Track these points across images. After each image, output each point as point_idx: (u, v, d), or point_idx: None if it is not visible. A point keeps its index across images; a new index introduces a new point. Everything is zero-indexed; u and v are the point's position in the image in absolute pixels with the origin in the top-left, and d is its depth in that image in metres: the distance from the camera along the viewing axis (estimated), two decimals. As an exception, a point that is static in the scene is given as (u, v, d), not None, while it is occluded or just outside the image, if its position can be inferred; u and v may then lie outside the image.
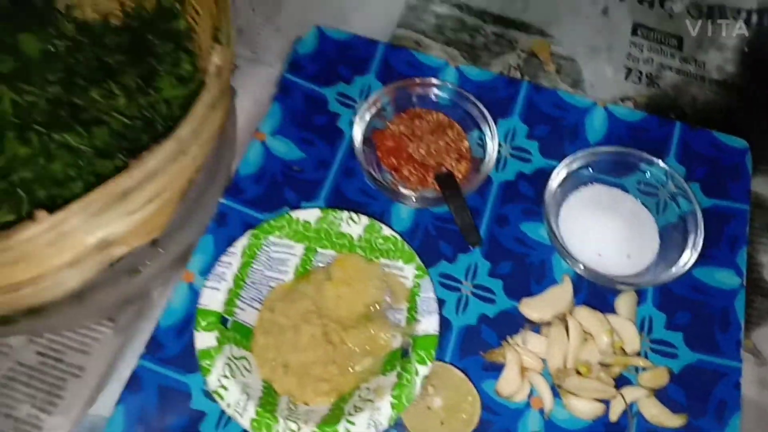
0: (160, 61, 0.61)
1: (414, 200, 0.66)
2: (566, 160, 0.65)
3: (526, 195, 0.69)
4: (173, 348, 0.60)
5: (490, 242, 0.66)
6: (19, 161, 0.50)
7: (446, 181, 0.65)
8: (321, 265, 0.63)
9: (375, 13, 0.84)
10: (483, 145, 0.68)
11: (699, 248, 0.61)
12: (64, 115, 0.52)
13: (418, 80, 0.71)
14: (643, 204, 0.66)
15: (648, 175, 0.66)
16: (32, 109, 0.51)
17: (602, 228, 0.64)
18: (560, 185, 0.64)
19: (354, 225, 0.62)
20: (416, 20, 0.83)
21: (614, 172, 0.67)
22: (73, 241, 0.41)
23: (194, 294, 0.62)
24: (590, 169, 0.66)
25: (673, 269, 0.60)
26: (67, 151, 0.52)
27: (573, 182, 0.66)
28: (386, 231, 0.61)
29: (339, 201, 0.69)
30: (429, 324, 0.57)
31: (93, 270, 0.47)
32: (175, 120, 0.59)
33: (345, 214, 0.63)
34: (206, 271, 0.63)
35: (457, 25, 0.83)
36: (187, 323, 0.61)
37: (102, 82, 0.55)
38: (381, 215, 0.68)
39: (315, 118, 0.73)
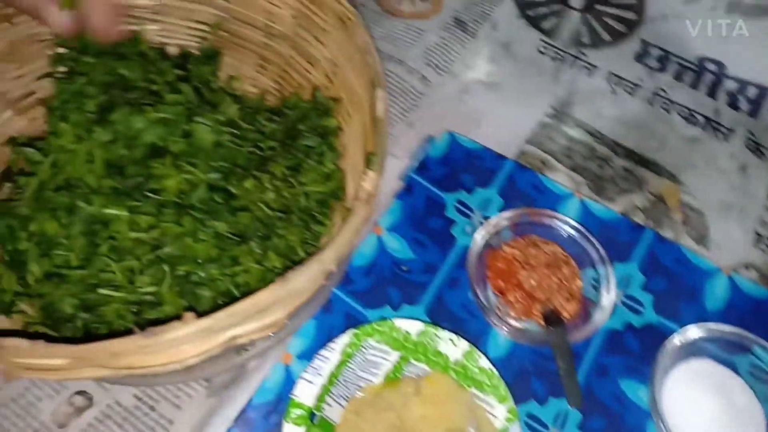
0: (308, 154, 0.65)
1: (514, 329, 0.66)
2: (685, 330, 0.64)
3: (632, 350, 0.67)
4: (260, 427, 0.62)
5: (586, 392, 0.65)
6: (170, 238, 0.54)
7: (555, 323, 0.65)
8: (411, 375, 0.64)
9: (507, 124, 0.85)
10: (597, 288, 0.68)
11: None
12: (218, 200, 0.55)
13: (542, 211, 0.71)
14: (753, 390, 0.63)
15: (765, 360, 0.63)
16: (191, 191, 0.55)
17: (705, 409, 0.62)
18: (672, 352, 0.63)
19: (453, 347, 0.63)
20: (546, 139, 0.84)
21: (728, 349, 0.64)
22: (209, 339, 0.44)
23: (289, 376, 0.64)
24: (705, 342, 0.64)
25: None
26: (213, 235, 0.55)
27: (684, 351, 0.64)
28: (484, 362, 0.62)
29: (439, 311, 0.70)
30: (510, 469, 0.57)
31: (212, 354, 0.50)
32: (310, 213, 0.63)
33: (446, 334, 0.63)
34: (304, 356, 0.65)
35: (587, 152, 0.83)
36: (276, 405, 0.63)
37: (256, 171, 0.59)
38: (478, 336, 0.68)
39: (431, 221, 0.75)
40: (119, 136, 0.53)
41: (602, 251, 0.69)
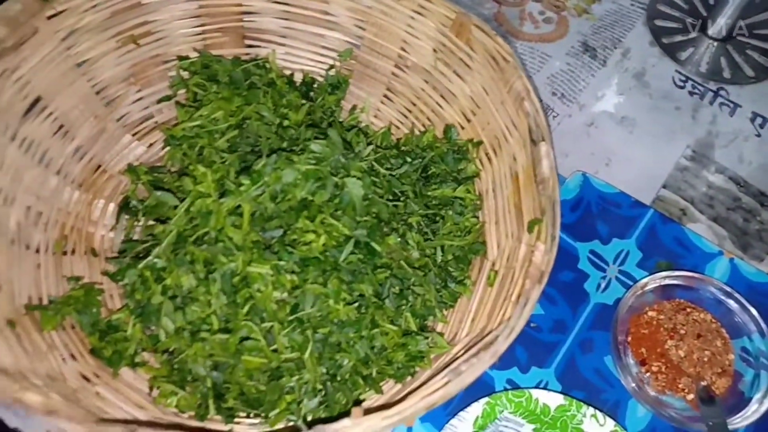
0: (444, 203, 0.60)
1: (656, 402, 0.60)
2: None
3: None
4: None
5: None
6: (311, 298, 0.49)
7: (709, 403, 0.58)
8: (544, 450, 0.59)
9: (640, 164, 0.78)
10: (747, 361, 0.61)
11: None
12: (363, 259, 0.51)
13: (693, 274, 0.65)
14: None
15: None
16: (336, 247, 0.50)
17: None
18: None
19: (597, 426, 0.57)
20: (685, 185, 0.77)
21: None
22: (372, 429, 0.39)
23: (411, 440, 0.60)
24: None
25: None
26: (357, 297, 0.51)
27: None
28: (633, 447, 0.56)
29: (571, 376, 0.64)
30: None
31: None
32: (446, 269, 0.57)
33: (590, 410, 0.58)
34: (426, 419, 0.61)
35: (731, 201, 0.76)
36: (398, 470, 0.59)
37: (395, 224, 0.54)
38: (614, 407, 0.62)
39: (562, 273, 0.69)
40: (266, 188, 0.49)
41: (762, 323, 0.62)
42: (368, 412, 0.38)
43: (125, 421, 0.39)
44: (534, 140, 0.52)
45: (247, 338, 0.48)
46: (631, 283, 0.68)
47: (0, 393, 0.37)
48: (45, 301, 0.54)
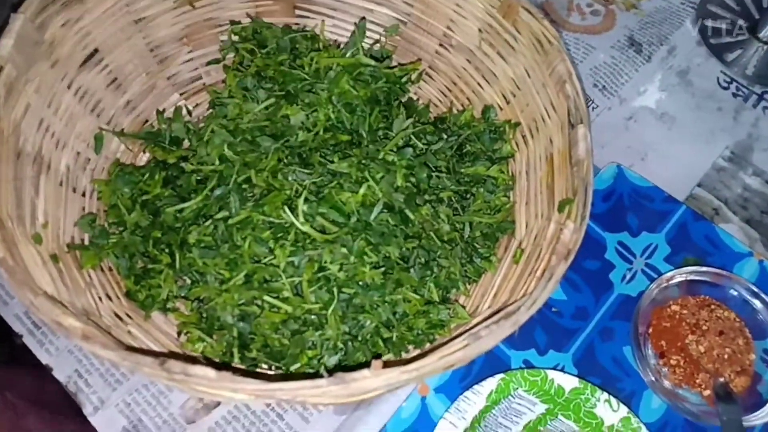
0: (477, 180, 0.60)
1: (672, 395, 0.60)
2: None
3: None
4: (392, 460, 0.59)
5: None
6: (339, 257, 0.51)
7: (727, 401, 0.58)
8: (554, 430, 0.60)
9: (676, 161, 0.78)
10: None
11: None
12: (393, 224, 0.52)
13: (720, 271, 0.64)
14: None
15: None
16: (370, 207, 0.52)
17: None
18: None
19: (610, 411, 0.58)
20: (720, 185, 0.76)
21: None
22: (389, 384, 0.41)
23: (425, 409, 0.61)
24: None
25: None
26: (383, 260, 0.52)
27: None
28: (645, 434, 0.56)
29: (589, 362, 0.64)
30: None
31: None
32: (473, 245, 0.58)
33: (604, 395, 0.58)
34: (441, 389, 0.62)
35: (766, 205, 0.75)
36: (411, 438, 0.60)
37: (430, 201, 0.55)
38: (629, 396, 0.63)
39: (587, 262, 0.70)
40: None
41: (786, 327, 0.61)
42: (387, 365, 0.39)
43: (155, 353, 0.41)
44: (572, 123, 0.53)
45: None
46: (656, 276, 0.68)
47: (43, 314, 0.40)
48: (87, 243, 0.57)
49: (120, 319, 0.53)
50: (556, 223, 0.51)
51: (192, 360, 0.41)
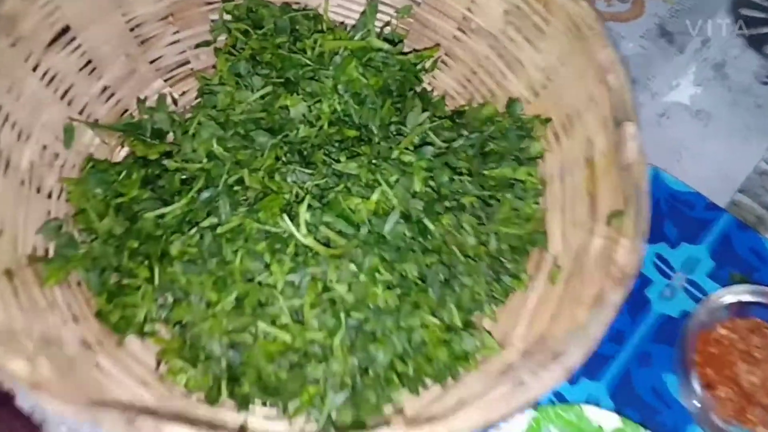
0: (503, 184, 0.53)
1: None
2: None
3: None
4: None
5: None
6: (347, 275, 0.43)
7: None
8: (591, 472, 0.52)
9: (714, 163, 0.71)
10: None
11: None
12: (408, 236, 0.44)
13: (772, 290, 0.57)
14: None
15: None
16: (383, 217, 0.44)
17: None
18: None
19: (656, 453, 0.50)
20: (762, 190, 0.69)
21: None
22: None
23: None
24: None
25: None
26: (398, 280, 0.44)
27: None
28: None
29: (625, 392, 0.57)
30: None
31: None
32: (499, 260, 0.51)
33: (648, 433, 0.51)
34: (459, 423, 0.54)
35: (814, 213, 0.68)
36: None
37: (452, 209, 0.47)
38: (672, 431, 0.55)
39: (621, 276, 0.62)
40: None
41: None
42: (411, 422, 0.31)
43: (122, 406, 0.33)
44: (617, 119, 0.45)
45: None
46: (699, 294, 0.61)
47: (-19, 355, 0.32)
48: (51, 254, 0.49)
49: (88, 346, 0.45)
50: (604, 239, 0.43)
51: (168, 416, 0.32)
